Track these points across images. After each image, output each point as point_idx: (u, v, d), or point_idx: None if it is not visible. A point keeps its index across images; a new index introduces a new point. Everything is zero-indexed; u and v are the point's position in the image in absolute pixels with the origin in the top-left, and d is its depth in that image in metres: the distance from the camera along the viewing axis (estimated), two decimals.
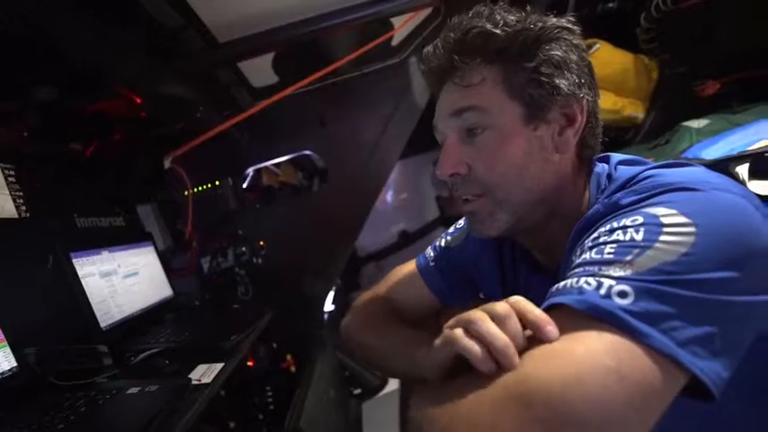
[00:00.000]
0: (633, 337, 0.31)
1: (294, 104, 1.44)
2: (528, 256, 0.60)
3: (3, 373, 0.63)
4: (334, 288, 1.84)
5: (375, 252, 3.03)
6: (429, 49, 0.54)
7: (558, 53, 0.49)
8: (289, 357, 1.49)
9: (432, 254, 0.73)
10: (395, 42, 1.57)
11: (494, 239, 0.66)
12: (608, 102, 1.69)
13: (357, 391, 1.79)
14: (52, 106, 0.95)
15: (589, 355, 0.31)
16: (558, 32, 0.49)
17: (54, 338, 0.76)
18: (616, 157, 0.54)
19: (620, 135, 1.79)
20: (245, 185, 1.73)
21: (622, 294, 0.33)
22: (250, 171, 1.73)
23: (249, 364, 1.34)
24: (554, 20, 0.50)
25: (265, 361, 1.38)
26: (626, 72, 1.70)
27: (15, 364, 0.65)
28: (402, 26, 1.42)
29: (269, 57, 1.37)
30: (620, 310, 0.32)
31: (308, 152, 1.72)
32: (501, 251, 0.65)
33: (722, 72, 1.54)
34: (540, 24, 0.49)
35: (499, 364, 0.34)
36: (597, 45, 1.67)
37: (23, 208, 0.86)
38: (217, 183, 1.60)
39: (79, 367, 0.72)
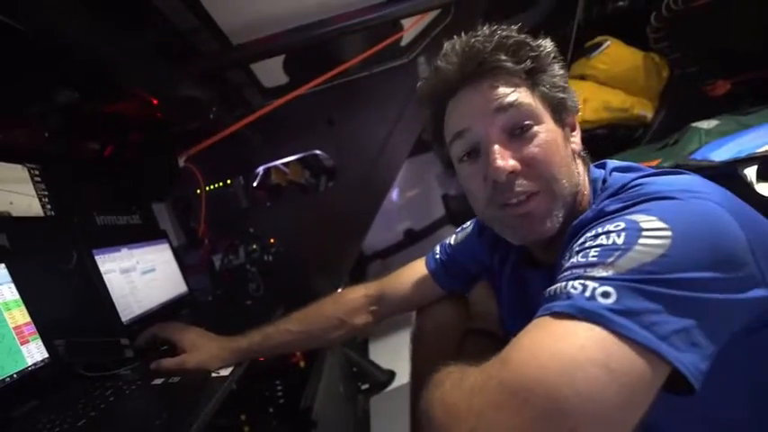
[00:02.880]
0: (618, 333, 0.34)
1: (303, 104, 1.46)
2: (526, 254, 0.63)
3: (36, 363, 0.67)
4: (342, 285, 1.86)
5: (381, 250, 3.05)
6: (451, 46, 0.54)
7: (562, 72, 0.55)
8: (298, 353, 1.52)
9: (438, 250, 0.81)
10: (404, 42, 1.58)
11: (489, 240, 0.71)
12: (617, 100, 1.69)
13: (365, 387, 1.81)
14: (72, 108, 0.98)
15: (580, 351, 0.34)
16: (555, 56, 0.55)
17: (78, 332, 0.79)
18: (612, 163, 0.57)
19: (628, 134, 1.79)
20: (255, 184, 1.76)
21: (605, 295, 0.36)
22: (260, 170, 1.76)
23: (260, 359, 1.38)
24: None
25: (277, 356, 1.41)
26: (636, 70, 1.70)
27: (47, 355, 0.69)
28: (411, 26, 1.44)
29: (280, 57, 1.39)
30: (604, 310, 0.35)
31: (316, 151, 1.75)
32: (497, 249, 0.71)
33: (733, 72, 1.53)
34: (546, 45, 0.54)
35: None
36: (607, 42, 1.67)
37: (48, 207, 0.89)
38: (228, 181, 1.63)
39: (103, 359, 0.75)
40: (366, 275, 2.80)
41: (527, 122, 0.51)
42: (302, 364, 1.50)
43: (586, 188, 0.56)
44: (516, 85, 0.52)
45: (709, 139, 1.14)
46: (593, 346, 0.34)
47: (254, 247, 1.53)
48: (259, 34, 1.20)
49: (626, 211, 0.42)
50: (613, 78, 1.69)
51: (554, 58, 0.54)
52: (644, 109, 1.71)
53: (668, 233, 0.37)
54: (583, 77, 1.72)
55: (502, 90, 0.52)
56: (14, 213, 0.80)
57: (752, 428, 0.45)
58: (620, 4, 1.66)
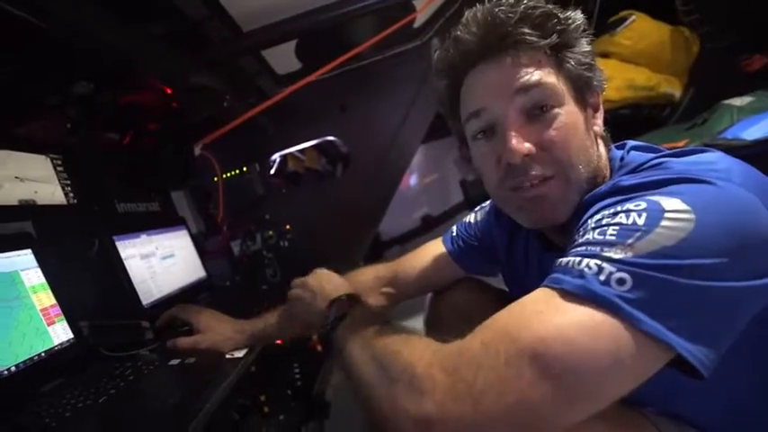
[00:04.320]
0: (629, 323, 0.34)
1: (316, 90, 1.45)
2: (540, 236, 0.61)
3: (62, 343, 0.71)
4: None
5: (399, 236, 3.05)
6: (472, 15, 0.51)
7: (589, 48, 0.52)
8: (315, 337, 1.56)
9: (456, 229, 0.81)
10: (417, 24, 1.54)
11: (506, 222, 0.69)
12: (642, 77, 1.61)
13: None
14: (90, 99, 1.01)
15: (592, 340, 0.34)
16: (585, 29, 0.51)
17: (101, 314, 0.84)
18: (631, 143, 0.55)
19: (655, 113, 1.70)
20: (271, 171, 1.78)
21: (620, 282, 0.35)
22: (276, 157, 1.78)
23: (278, 342, 1.41)
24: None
25: (293, 339, 1.44)
26: (663, 45, 1.60)
27: (72, 336, 0.73)
28: (424, 7, 1.40)
29: (292, 43, 1.39)
30: (617, 297, 0.35)
31: (331, 138, 1.75)
32: (513, 231, 0.69)
33: None
34: (576, 17, 0.51)
35: None
36: (633, 17, 1.58)
37: (71, 195, 0.93)
38: (244, 168, 1.65)
39: (125, 340, 0.79)
40: (383, 261, 2.80)
41: (547, 104, 0.49)
42: (319, 348, 1.54)
43: (606, 169, 0.54)
44: (540, 63, 0.49)
45: (742, 116, 1.08)
46: (604, 334, 0.34)
47: (271, 233, 1.56)
48: (269, 20, 1.20)
49: (648, 192, 0.40)
50: (638, 55, 1.61)
51: (583, 31, 0.51)
52: (671, 87, 1.62)
53: (691, 216, 0.36)
54: (606, 55, 1.64)
55: (524, 68, 0.49)
56: (39, 202, 0.84)
57: (760, 408, 0.45)
58: None
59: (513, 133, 0.49)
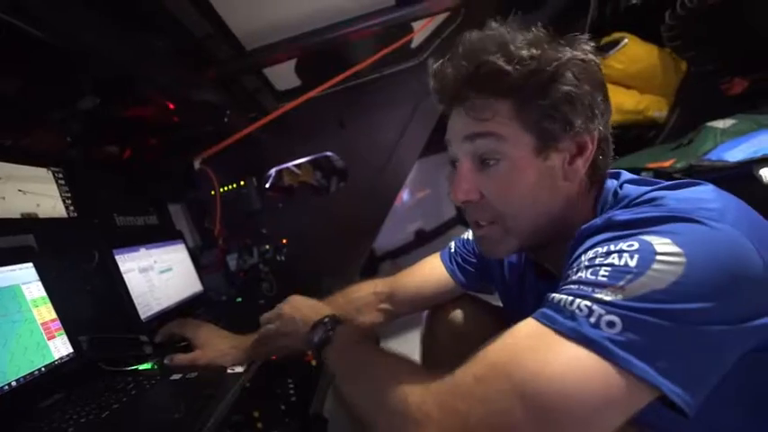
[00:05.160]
0: (617, 364, 0.35)
1: (315, 107, 1.48)
2: (536, 265, 0.64)
3: (62, 357, 0.70)
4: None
5: (392, 250, 3.06)
6: (438, 67, 0.54)
7: (573, 89, 0.49)
8: (309, 352, 1.54)
9: (454, 245, 0.82)
10: (414, 44, 1.59)
11: None
12: (631, 102, 1.66)
13: None
14: (93, 114, 1.02)
15: (583, 381, 0.36)
16: (574, 65, 0.49)
17: (100, 328, 0.83)
18: (625, 175, 0.56)
19: (642, 133, 1.76)
20: (267, 185, 1.79)
21: (610, 324, 0.36)
22: (272, 171, 1.79)
23: (273, 357, 1.40)
24: (570, 53, 0.50)
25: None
26: (653, 68, 1.65)
27: (72, 350, 0.72)
28: (421, 28, 1.45)
29: (292, 61, 1.42)
30: (606, 340, 0.36)
31: (328, 153, 1.77)
32: (510, 257, 0.71)
33: (750, 70, 1.50)
34: (555, 62, 0.48)
35: None
36: (625, 40, 1.62)
37: (71, 208, 0.93)
38: (242, 182, 1.66)
39: (124, 354, 0.78)
40: (377, 276, 2.80)
41: (489, 158, 0.51)
42: (314, 362, 1.53)
43: (589, 206, 0.55)
44: (496, 112, 0.50)
45: (725, 138, 1.13)
46: (594, 375, 0.36)
47: (267, 247, 1.56)
48: (271, 39, 1.23)
49: (640, 230, 0.41)
50: (630, 77, 1.66)
51: (568, 69, 0.49)
52: (658, 109, 1.68)
53: (682, 259, 0.37)
54: None
55: (472, 120, 0.51)
56: (41, 215, 0.84)
57: None
58: (634, 2, 1.64)
59: (459, 178, 0.53)
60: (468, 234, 0.81)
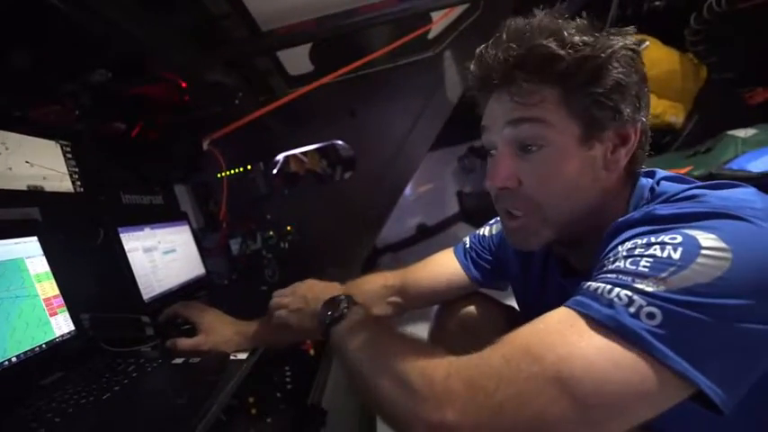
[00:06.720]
0: (654, 357, 0.34)
1: (326, 94, 1.45)
2: (562, 261, 0.61)
3: (63, 335, 0.69)
4: (355, 278, 1.87)
5: (393, 243, 3.05)
6: (482, 50, 0.53)
7: (624, 77, 0.48)
8: (308, 340, 1.54)
9: (469, 241, 0.81)
10: (431, 36, 1.56)
11: None
12: None
13: None
14: (103, 88, 1.00)
15: (616, 370, 0.35)
16: (623, 55, 0.48)
17: (101, 307, 0.82)
18: (661, 172, 0.54)
19: (655, 139, 1.73)
20: (274, 171, 1.77)
21: (650, 316, 0.35)
22: (280, 157, 1.77)
23: (276, 346, 1.39)
24: (621, 41, 0.49)
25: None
26: (673, 73, 1.62)
27: (73, 328, 0.71)
28: (440, 19, 1.42)
29: (306, 45, 1.39)
30: (645, 332, 0.35)
31: (338, 141, 1.75)
32: (530, 254, 0.68)
33: None
34: (608, 50, 0.48)
35: None
36: (646, 43, 1.58)
37: (78, 183, 0.91)
38: (248, 167, 1.64)
39: (125, 335, 0.77)
40: (377, 269, 2.79)
41: (532, 143, 0.49)
42: (312, 352, 1.52)
43: (624, 201, 0.53)
44: (542, 98, 0.48)
45: (746, 148, 1.10)
46: (628, 365, 0.35)
47: (271, 233, 1.55)
48: (288, 21, 1.20)
49: (684, 224, 0.39)
50: (649, 81, 1.63)
51: (619, 57, 0.48)
52: (675, 114, 1.65)
53: (728, 255, 0.36)
54: None
55: (517, 104, 0.49)
56: (47, 188, 0.82)
57: None
58: (657, 3, 1.60)
59: (498, 163, 0.52)
60: (485, 230, 0.80)
